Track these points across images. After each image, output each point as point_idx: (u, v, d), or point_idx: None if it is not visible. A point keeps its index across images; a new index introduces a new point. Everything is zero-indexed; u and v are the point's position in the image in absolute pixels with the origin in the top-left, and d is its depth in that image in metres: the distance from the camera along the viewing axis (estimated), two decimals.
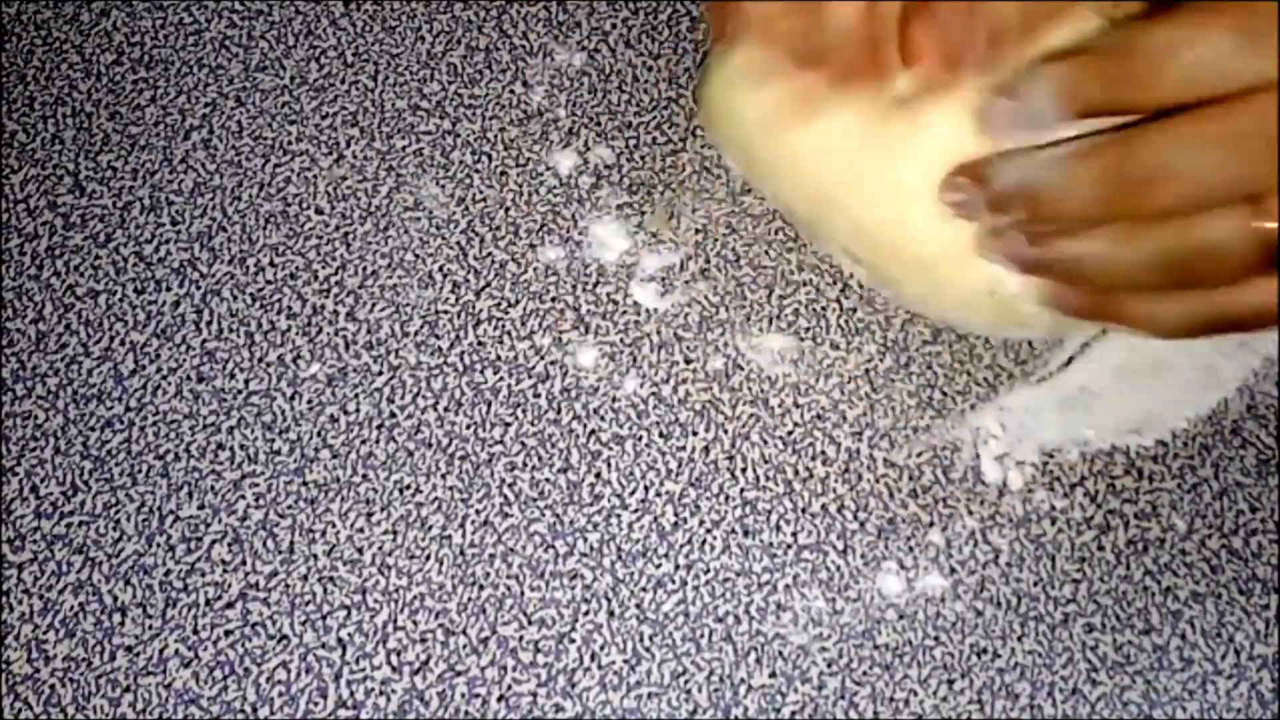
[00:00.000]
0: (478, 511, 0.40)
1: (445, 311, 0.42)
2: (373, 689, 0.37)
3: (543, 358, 0.42)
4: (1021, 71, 0.31)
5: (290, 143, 0.45)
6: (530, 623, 0.38)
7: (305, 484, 0.40)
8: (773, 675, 0.38)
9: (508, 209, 0.44)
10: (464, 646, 0.38)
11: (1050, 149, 0.31)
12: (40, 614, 0.38)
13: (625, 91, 0.47)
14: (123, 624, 0.38)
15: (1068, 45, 0.31)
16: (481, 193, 0.45)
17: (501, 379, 0.41)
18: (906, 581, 0.39)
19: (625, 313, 0.43)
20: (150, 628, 0.38)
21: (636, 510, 0.40)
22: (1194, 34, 0.28)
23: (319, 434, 0.41)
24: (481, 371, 0.42)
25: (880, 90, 0.33)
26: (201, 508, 0.40)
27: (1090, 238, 0.32)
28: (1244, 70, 0.27)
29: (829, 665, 0.38)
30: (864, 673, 0.37)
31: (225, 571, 0.39)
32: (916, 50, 0.32)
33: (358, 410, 0.41)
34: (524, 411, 0.41)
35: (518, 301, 0.43)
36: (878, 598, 0.38)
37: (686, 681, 0.38)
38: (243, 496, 0.40)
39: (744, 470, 0.40)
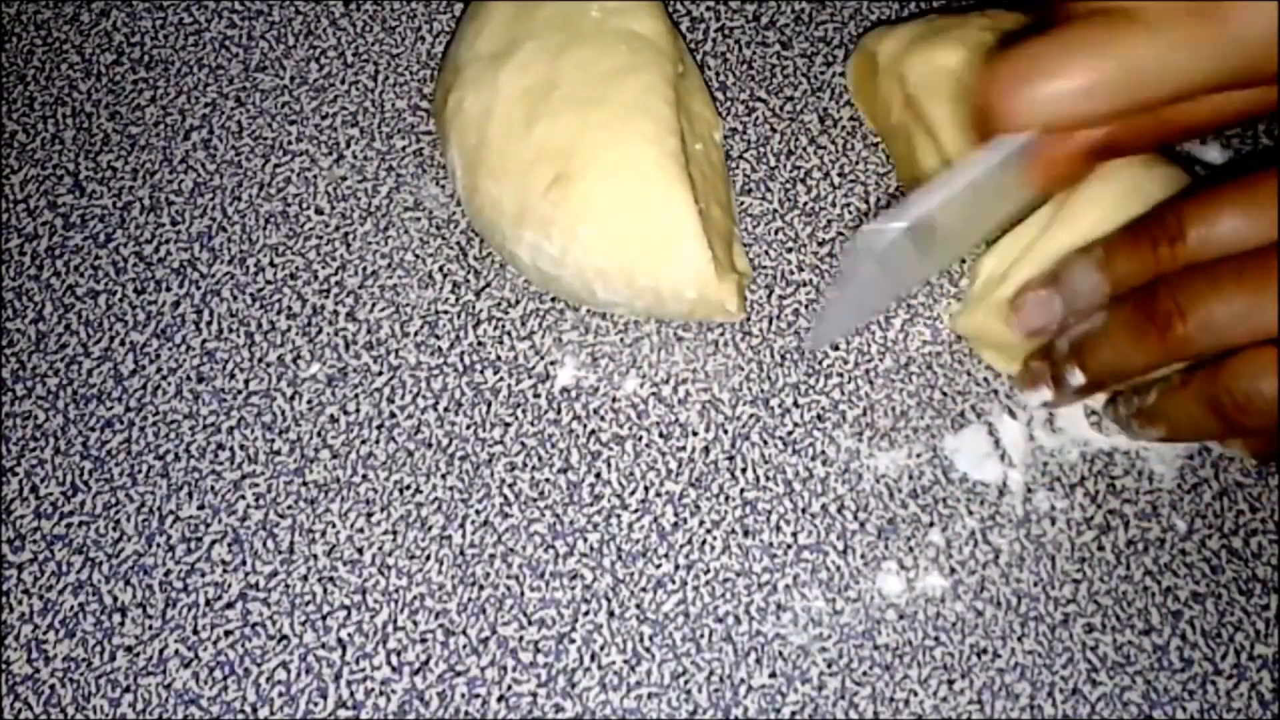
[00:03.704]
0: (478, 511, 0.40)
1: (445, 311, 0.42)
2: (373, 689, 0.37)
3: (543, 358, 0.42)
4: (1058, 264, 0.37)
5: (290, 143, 0.45)
6: (530, 623, 0.38)
7: (305, 484, 0.40)
8: (773, 675, 0.38)
9: None
10: (464, 646, 0.38)
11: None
12: (40, 614, 0.38)
13: None
14: (123, 624, 0.38)
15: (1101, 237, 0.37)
16: None
17: (501, 379, 0.41)
18: (906, 581, 0.39)
19: None
20: (150, 628, 0.38)
21: (636, 510, 0.40)
22: (1208, 210, 0.34)
23: (319, 434, 0.41)
24: (481, 371, 0.42)
25: None
26: (201, 508, 0.40)
27: (1147, 394, 0.37)
28: (1251, 234, 0.33)
29: (829, 665, 0.38)
30: (864, 673, 0.37)
31: (225, 571, 0.39)
32: None
33: (358, 410, 0.41)
34: (524, 411, 0.41)
35: (518, 301, 0.43)
36: (878, 598, 0.38)
37: (686, 681, 0.38)
38: (243, 496, 0.40)
39: (744, 470, 0.40)
